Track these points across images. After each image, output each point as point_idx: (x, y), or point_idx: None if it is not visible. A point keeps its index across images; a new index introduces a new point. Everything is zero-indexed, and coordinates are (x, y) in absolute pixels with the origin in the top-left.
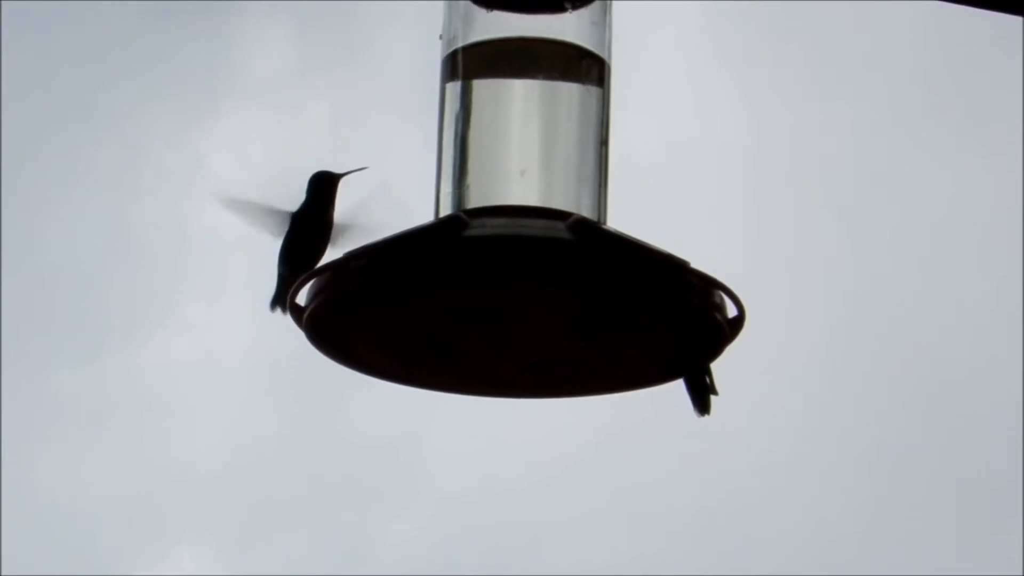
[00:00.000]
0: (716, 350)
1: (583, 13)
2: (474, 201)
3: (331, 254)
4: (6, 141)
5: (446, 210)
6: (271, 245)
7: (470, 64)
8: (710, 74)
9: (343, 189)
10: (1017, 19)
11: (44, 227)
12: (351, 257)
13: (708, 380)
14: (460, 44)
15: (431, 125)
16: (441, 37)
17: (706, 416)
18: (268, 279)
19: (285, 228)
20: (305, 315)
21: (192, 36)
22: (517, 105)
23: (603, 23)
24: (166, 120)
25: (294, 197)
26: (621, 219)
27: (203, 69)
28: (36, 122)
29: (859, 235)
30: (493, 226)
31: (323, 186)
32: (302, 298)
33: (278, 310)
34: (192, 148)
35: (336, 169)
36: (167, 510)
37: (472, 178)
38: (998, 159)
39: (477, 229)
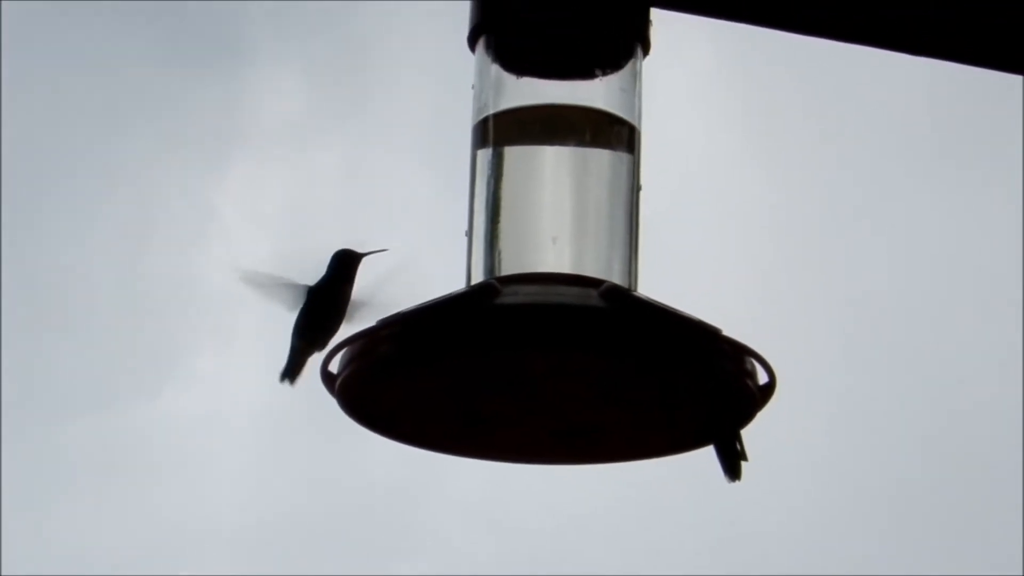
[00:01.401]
0: (747, 417)
1: (612, 80)
2: (506, 268)
3: (346, 330)
4: (17, 191)
5: (478, 276)
6: (285, 316)
7: (501, 131)
8: (733, 130)
9: (366, 265)
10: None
11: (54, 278)
12: (384, 325)
13: (738, 446)
14: (491, 111)
15: (452, 183)
16: (473, 87)
17: (736, 482)
18: (281, 337)
19: (301, 301)
20: (338, 383)
21: (209, 89)
22: (548, 172)
23: (632, 90)
24: (182, 172)
25: (311, 265)
26: (652, 284)
27: (220, 123)
28: (47, 173)
29: (884, 285)
30: (526, 294)
31: (345, 264)
32: (334, 366)
33: (287, 382)
34: (208, 201)
35: (360, 247)
36: (177, 565)
37: (504, 244)
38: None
39: (510, 297)
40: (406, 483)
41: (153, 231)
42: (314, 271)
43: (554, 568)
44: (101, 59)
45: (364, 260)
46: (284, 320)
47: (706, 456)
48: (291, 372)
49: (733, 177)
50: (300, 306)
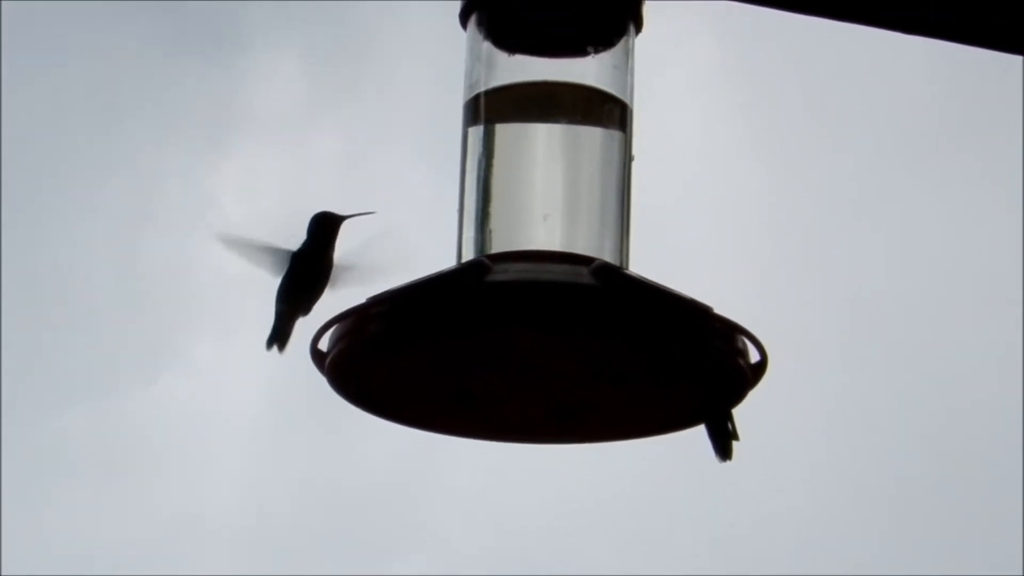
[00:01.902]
0: (739, 395)
1: (605, 57)
2: (497, 246)
3: (329, 294)
4: (15, 181)
5: (469, 254)
6: (271, 283)
7: (492, 108)
8: (729, 116)
9: (350, 230)
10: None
11: (52, 268)
12: (374, 303)
13: (730, 426)
14: (482, 88)
15: (443, 165)
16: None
17: (727, 461)
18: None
19: (284, 266)
20: (327, 361)
21: (203, 74)
22: (539, 149)
23: (625, 67)
24: (178, 159)
25: (297, 236)
26: (643, 263)
27: (213, 107)
28: (45, 162)
29: (880, 277)
30: (516, 271)
31: (324, 227)
32: (323, 343)
33: (275, 348)
34: (203, 187)
35: (343, 211)
36: (172, 559)
37: (495, 222)
38: None
39: (500, 274)
40: (402, 471)
41: (150, 219)
42: (299, 237)
43: (548, 560)
44: (99, 48)
45: (346, 224)
46: (270, 287)
47: (698, 437)
48: (278, 338)
49: (727, 160)
50: (283, 271)
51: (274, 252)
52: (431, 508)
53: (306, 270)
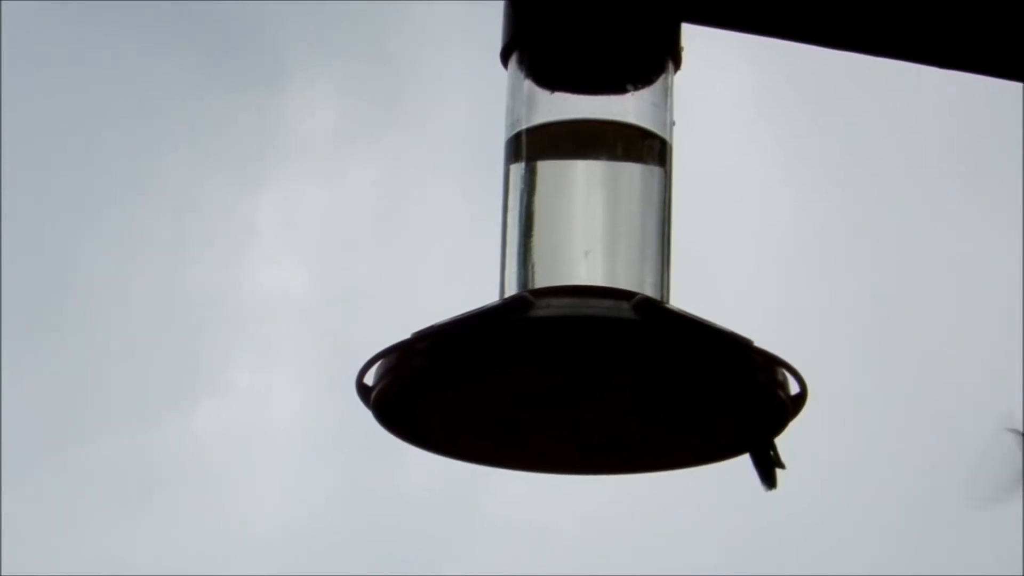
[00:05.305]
0: (779, 427)
1: (644, 95)
2: (539, 281)
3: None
4: (58, 207)
5: (511, 289)
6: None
7: (534, 145)
8: (767, 151)
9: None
10: None
11: (93, 292)
12: (418, 338)
13: (774, 455)
14: (524, 126)
15: (485, 200)
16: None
17: (773, 490)
18: (316, 345)
19: None
20: (373, 395)
21: (245, 104)
22: (580, 186)
23: (664, 104)
24: (219, 186)
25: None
26: (683, 297)
27: (254, 138)
28: (87, 188)
29: (923, 309)
30: (559, 306)
31: None
32: (369, 378)
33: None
34: (246, 216)
35: None
36: None
37: (537, 258)
38: None
39: (543, 309)
40: (439, 500)
41: (192, 246)
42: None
43: None
44: (140, 77)
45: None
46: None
47: (737, 467)
48: None
49: (764, 192)
50: None
51: None
52: (468, 537)
53: None
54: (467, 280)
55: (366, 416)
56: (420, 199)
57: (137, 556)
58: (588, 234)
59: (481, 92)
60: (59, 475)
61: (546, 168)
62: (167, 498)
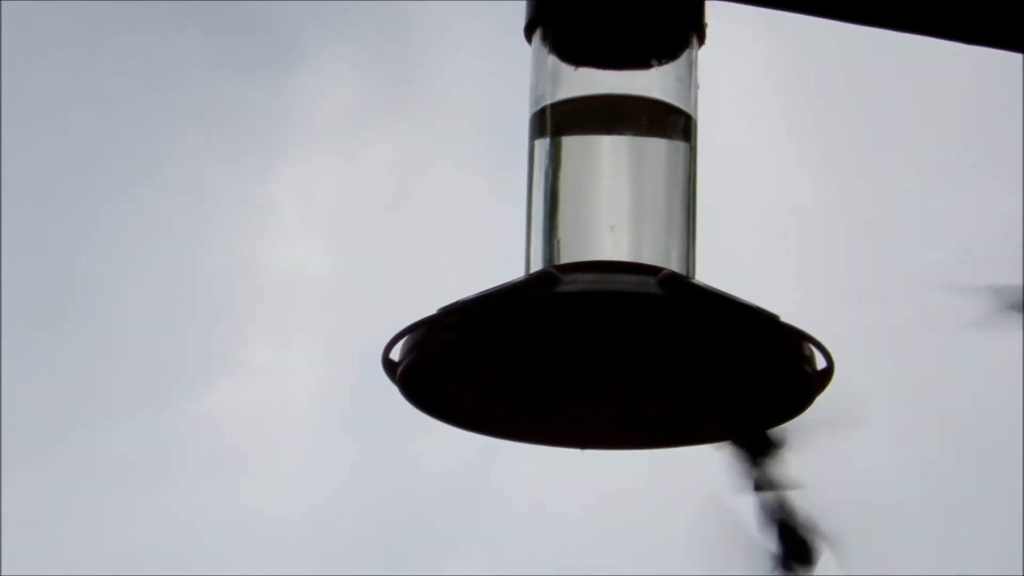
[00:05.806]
0: (805, 403)
1: (668, 69)
2: (565, 256)
3: (401, 306)
4: (71, 188)
5: (537, 265)
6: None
7: (558, 121)
8: (793, 126)
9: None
10: None
11: (108, 274)
12: (445, 313)
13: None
14: (548, 102)
15: (509, 176)
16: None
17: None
18: (336, 326)
19: None
20: (399, 370)
21: (260, 82)
22: (606, 161)
23: (688, 79)
24: (235, 167)
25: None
26: (708, 272)
27: (269, 118)
28: (104, 170)
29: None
30: (585, 281)
31: None
32: (395, 354)
33: None
34: (263, 196)
35: None
36: (232, 563)
37: (562, 233)
38: None
39: (569, 284)
40: (459, 475)
41: (209, 226)
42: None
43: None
44: (155, 57)
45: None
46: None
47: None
48: None
49: (787, 167)
50: None
51: None
52: (487, 511)
53: None
54: (486, 258)
55: (383, 396)
56: (439, 177)
57: (154, 538)
58: (613, 209)
59: (500, 68)
60: (77, 456)
61: (571, 143)
62: (186, 479)
